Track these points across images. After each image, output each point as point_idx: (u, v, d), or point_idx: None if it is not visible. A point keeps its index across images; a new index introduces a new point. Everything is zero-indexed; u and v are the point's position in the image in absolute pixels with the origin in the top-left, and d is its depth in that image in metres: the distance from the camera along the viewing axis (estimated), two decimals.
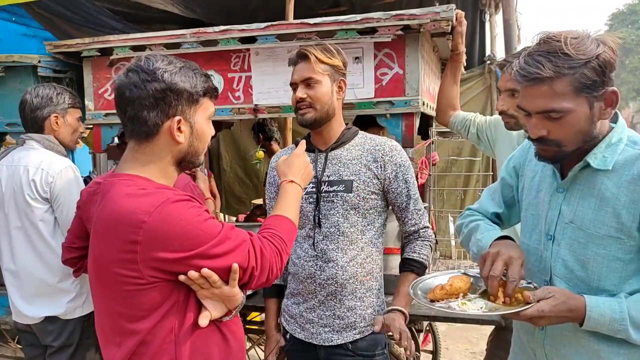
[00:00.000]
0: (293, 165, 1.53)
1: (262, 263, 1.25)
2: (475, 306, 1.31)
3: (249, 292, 2.41)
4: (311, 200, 1.78)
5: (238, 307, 1.31)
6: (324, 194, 1.76)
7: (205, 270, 1.18)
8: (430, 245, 1.85)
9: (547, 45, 1.20)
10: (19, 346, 3.13)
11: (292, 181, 1.49)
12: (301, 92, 1.72)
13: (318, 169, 1.79)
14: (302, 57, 1.74)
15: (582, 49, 1.17)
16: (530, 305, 1.21)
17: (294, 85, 1.77)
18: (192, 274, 1.17)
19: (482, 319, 2.14)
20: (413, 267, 1.80)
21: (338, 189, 1.75)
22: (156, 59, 1.24)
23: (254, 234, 1.30)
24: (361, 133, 1.86)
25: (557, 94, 1.18)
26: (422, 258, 1.81)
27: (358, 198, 1.74)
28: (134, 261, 1.15)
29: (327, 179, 1.77)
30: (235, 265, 1.21)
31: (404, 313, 1.73)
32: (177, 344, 1.22)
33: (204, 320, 1.23)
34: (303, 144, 1.65)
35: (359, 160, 1.77)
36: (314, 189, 1.78)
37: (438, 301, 1.36)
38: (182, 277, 1.18)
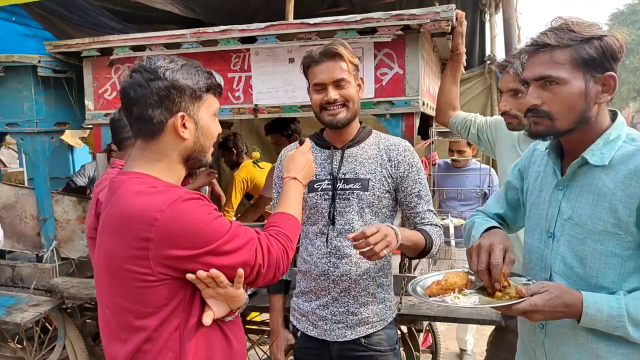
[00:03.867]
0: (297, 162, 1.57)
1: (269, 260, 1.28)
2: (469, 300, 1.32)
3: (249, 291, 2.42)
4: (327, 197, 1.77)
5: (241, 307, 1.33)
6: (339, 192, 1.76)
7: (213, 271, 1.20)
8: (440, 236, 1.79)
9: (557, 24, 1.27)
10: (19, 346, 3.13)
11: (294, 178, 1.54)
12: (334, 94, 1.68)
13: (334, 166, 1.78)
14: (330, 55, 1.68)
15: (587, 29, 1.22)
16: (524, 299, 1.22)
17: (320, 86, 1.71)
18: (201, 273, 1.19)
19: (484, 319, 2.14)
20: (422, 231, 1.74)
21: (354, 187, 1.75)
22: (158, 58, 1.26)
23: (261, 232, 1.32)
24: (375, 132, 1.86)
25: (556, 62, 1.24)
26: (432, 234, 1.74)
27: (373, 197, 1.74)
28: (146, 258, 1.16)
29: (343, 176, 1.77)
30: (241, 271, 1.23)
31: (395, 231, 1.58)
32: (182, 342, 1.23)
33: (207, 319, 1.25)
34: (308, 142, 1.64)
35: (375, 159, 1.77)
36: (330, 186, 1.77)
37: (435, 296, 1.36)
38: (189, 276, 1.20)
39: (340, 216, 1.76)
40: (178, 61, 1.27)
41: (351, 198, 1.75)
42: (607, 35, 1.21)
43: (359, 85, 1.76)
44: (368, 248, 1.48)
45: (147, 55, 1.29)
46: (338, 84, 1.69)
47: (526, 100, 1.30)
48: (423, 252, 1.74)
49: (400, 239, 1.59)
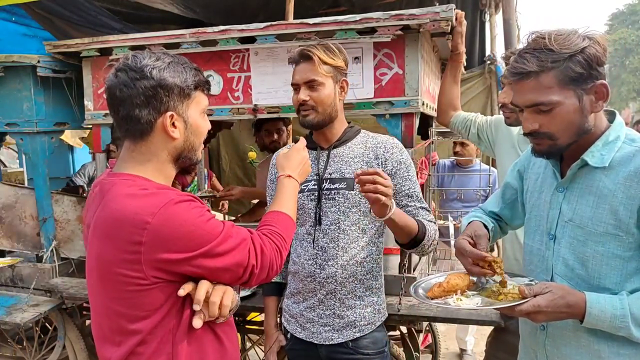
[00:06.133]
0: (292, 159, 1.55)
1: (262, 261, 1.26)
2: (472, 302, 1.31)
3: (248, 292, 2.42)
4: (312, 197, 1.77)
5: (232, 309, 1.31)
6: (325, 192, 1.76)
7: (214, 300, 1.22)
8: (435, 232, 1.75)
9: (534, 43, 1.23)
10: (19, 346, 3.13)
11: (289, 176, 1.51)
12: (304, 95, 1.70)
13: (320, 167, 1.78)
14: (304, 57, 1.71)
15: (567, 44, 1.19)
16: (526, 300, 1.21)
17: (295, 86, 1.75)
18: (188, 286, 1.20)
19: (483, 320, 2.14)
20: (416, 220, 1.69)
21: (340, 186, 1.75)
22: (144, 56, 1.23)
23: (254, 232, 1.31)
24: (363, 131, 1.85)
25: (544, 87, 1.22)
26: (426, 225, 1.70)
27: (359, 195, 1.72)
28: (138, 262, 1.14)
29: (328, 176, 1.77)
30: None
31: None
32: (174, 344, 1.22)
33: (197, 321, 1.23)
34: (303, 140, 1.63)
35: (361, 157, 1.77)
36: (316, 187, 1.77)
37: (437, 299, 1.36)
38: (181, 293, 1.19)
39: (327, 216, 1.75)
40: (165, 59, 1.23)
41: (337, 198, 1.74)
42: (588, 46, 1.19)
43: (341, 87, 1.76)
44: (373, 186, 1.45)
45: (133, 52, 1.26)
46: (310, 85, 1.70)
47: (524, 125, 1.30)
48: (415, 240, 1.67)
49: (394, 210, 1.56)
